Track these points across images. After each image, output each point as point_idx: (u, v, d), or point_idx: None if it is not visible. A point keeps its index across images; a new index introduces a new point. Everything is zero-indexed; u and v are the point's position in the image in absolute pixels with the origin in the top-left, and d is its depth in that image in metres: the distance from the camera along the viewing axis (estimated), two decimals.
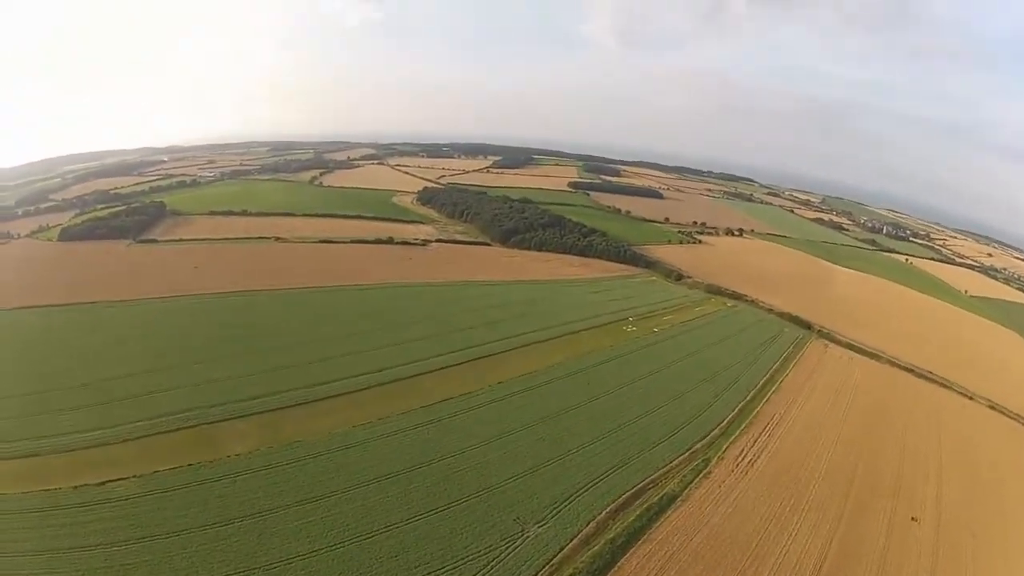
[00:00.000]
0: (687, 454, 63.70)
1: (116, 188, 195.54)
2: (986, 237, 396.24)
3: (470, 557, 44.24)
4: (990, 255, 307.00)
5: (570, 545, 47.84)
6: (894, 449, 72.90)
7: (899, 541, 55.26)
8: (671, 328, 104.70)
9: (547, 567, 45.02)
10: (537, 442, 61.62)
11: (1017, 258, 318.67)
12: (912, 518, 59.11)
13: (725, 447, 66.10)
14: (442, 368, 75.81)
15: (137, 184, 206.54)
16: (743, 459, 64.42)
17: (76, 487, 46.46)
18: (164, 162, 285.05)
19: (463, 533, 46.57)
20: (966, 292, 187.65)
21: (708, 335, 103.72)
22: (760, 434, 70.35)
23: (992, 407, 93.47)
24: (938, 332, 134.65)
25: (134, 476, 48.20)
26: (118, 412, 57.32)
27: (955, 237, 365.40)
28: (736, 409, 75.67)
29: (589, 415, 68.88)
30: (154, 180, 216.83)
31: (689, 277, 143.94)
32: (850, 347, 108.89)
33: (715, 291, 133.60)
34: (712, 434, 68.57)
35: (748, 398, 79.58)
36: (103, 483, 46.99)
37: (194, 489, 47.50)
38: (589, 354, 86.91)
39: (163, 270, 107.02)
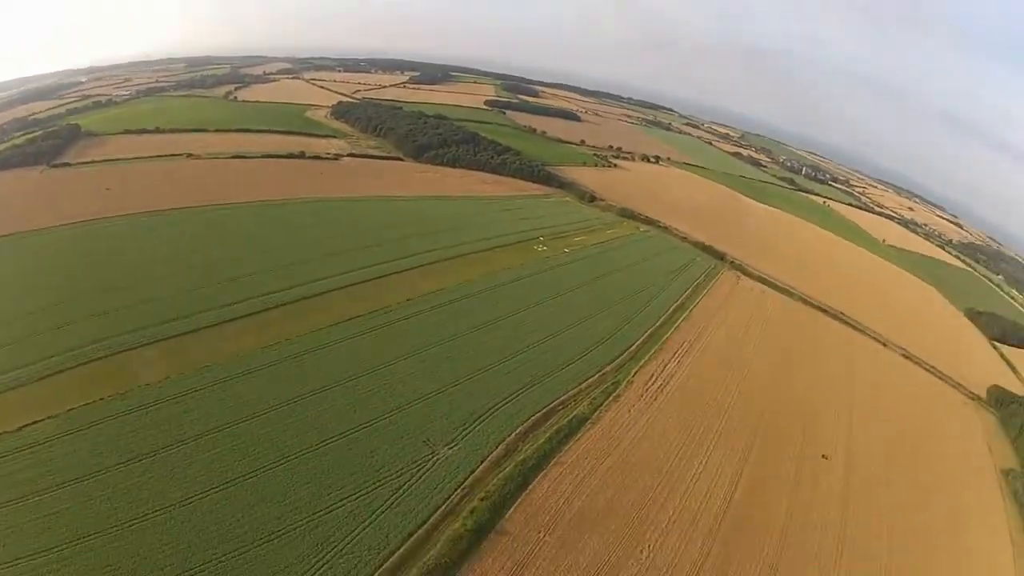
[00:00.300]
0: (597, 376, 64.06)
1: (34, 114, 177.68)
2: (908, 191, 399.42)
3: (381, 482, 43.13)
4: (911, 208, 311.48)
5: (480, 468, 47.26)
6: (805, 386, 74.88)
7: (810, 477, 57.11)
8: (582, 249, 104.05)
9: (458, 490, 44.16)
10: (447, 360, 60.40)
11: (939, 216, 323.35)
12: (823, 456, 60.77)
13: (634, 372, 66.68)
14: (352, 284, 72.62)
15: (55, 108, 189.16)
16: (652, 384, 65.26)
17: None
18: (83, 83, 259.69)
19: (374, 456, 45.38)
20: (884, 241, 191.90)
21: (619, 258, 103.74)
22: (669, 360, 71.29)
23: (906, 356, 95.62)
24: (853, 276, 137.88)
25: (49, 417, 44.15)
26: (31, 350, 51.74)
27: (875, 187, 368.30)
28: (646, 334, 76.35)
29: (499, 334, 67.94)
30: (71, 102, 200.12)
31: (602, 200, 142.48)
32: (763, 280, 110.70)
33: (628, 215, 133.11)
34: (621, 358, 69.02)
35: (658, 323, 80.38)
36: (20, 428, 42.62)
37: (108, 424, 44.10)
38: (500, 272, 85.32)
39: (75, 195, 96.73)
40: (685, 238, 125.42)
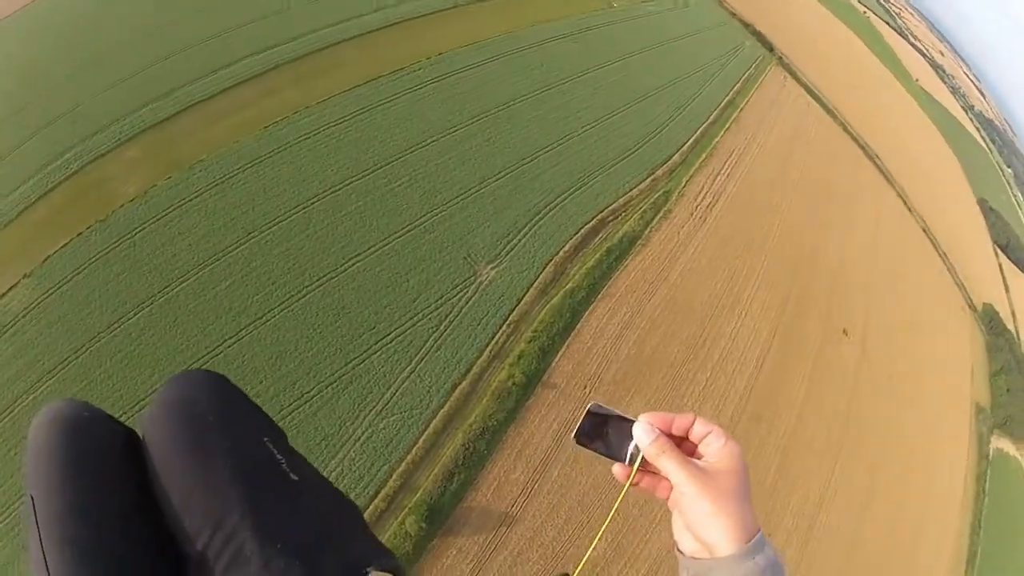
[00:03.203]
0: (648, 181, 52.38)
1: None
2: (939, 32, 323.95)
3: (419, 316, 33.24)
4: (942, 53, 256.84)
5: (527, 296, 37.71)
6: (836, 239, 65.84)
7: (830, 353, 51.94)
8: (630, 6, 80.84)
9: (504, 327, 35.11)
10: (483, 147, 45.83)
11: (965, 73, 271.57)
12: (844, 331, 54.91)
13: (685, 181, 55.31)
14: (365, 33, 50.72)
15: None
16: (702, 200, 54.82)
17: None
18: None
19: (408, 280, 34.56)
20: (917, 80, 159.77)
21: (670, 25, 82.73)
22: (719, 172, 59.65)
23: (925, 231, 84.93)
24: (891, 116, 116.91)
25: (24, 276, 30.33)
26: None
27: (910, 13, 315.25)
28: (697, 132, 62.92)
29: (540, 112, 52.70)
30: None
31: None
32: (808, 90, 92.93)
33: None
34: (672, 160, 56.74)
35: (709, 120, 66.42)
36: None
37: (92, 272, 30.77)
38: (543, 25, 64.72)
39: None
40: (734, 14, 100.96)
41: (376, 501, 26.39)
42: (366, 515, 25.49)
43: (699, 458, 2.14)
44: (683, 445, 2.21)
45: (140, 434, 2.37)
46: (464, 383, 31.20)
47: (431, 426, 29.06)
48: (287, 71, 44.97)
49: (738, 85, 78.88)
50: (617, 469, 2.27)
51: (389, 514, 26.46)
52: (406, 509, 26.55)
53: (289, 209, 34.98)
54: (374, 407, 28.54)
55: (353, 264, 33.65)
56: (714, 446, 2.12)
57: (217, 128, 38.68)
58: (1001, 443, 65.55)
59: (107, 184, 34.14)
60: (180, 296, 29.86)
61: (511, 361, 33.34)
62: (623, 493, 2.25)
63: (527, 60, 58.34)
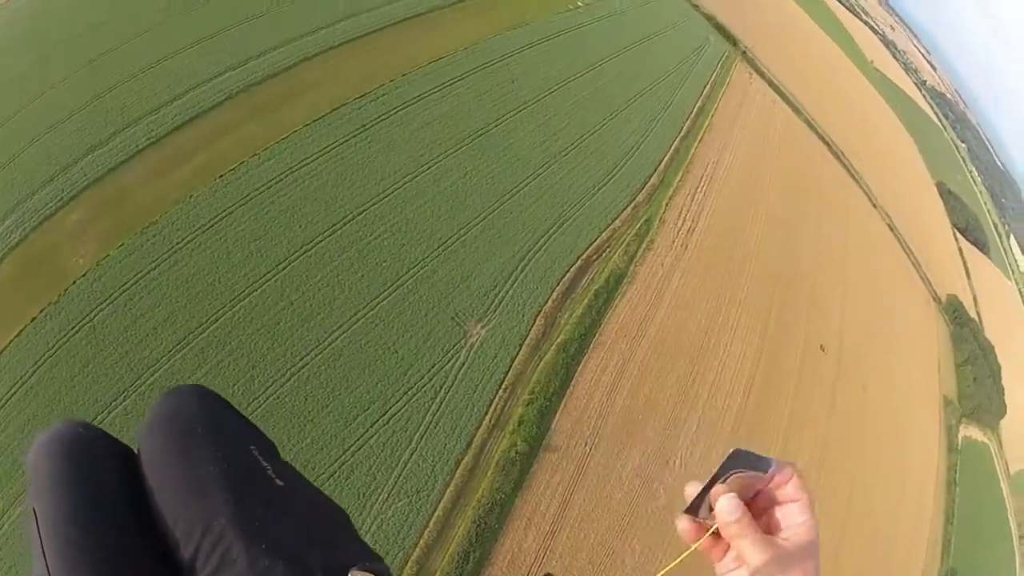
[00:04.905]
0: (629, 210, 52.85)
1: None
2: (889, 5, 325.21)
3: (413, 388, 33.15)
4: (892, 28, 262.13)
5: (520, 354, 38.16)
6: (809, 248, 69.06)
7: (810, 371, 54.70)
8: (594, 5, 79.14)
9: (500, 391, 35.63)
10: (459, 185, 44.43)
11: (915, 46, 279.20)
12: (821, 346, 57.85)
13: (665, 205, 56.25)
14: (321, 52, 46.75)
15: None
16: (682, 225, 56.03)
17: None
18: None
19: (398, 349, 34.15)
20: (872, 62, 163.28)
21: (635, 26, 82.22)
22: (696, 189, 61.10)
23: (891, 227, 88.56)
24: (847, 102, 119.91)
25: None
26: None
27: None
28: (672, 146, 63.77)
29: (514, 139, 51.63)
30: None
31: None
32: (772, 86, 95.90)
33: None
34: (651, 181, 57.40)
35: (683, 132, 67.41)
36: None
37: (55, 364, 27.84)
38: (509, 33, 62.59)
39: None
40: (697, 6, 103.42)
41: None
42: None
43: (775, 523, 2.05)
44: (755, 501, 2.12)
45: (136, 450, 2.59)
46: (467, 458, 31.60)
47: (439, 507, 29.50)
48: (242, 101, 40.65)
49: (707, 88, 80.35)
50: (684, 525, 2.14)
51: None
52: None
53: (259, 277, 32.83)
54: (379, 495, 28.59)
55: (337, 338, 32.72)
56: (797, 519, 2.00)
57: (169, 178, 34.90)
58: (969, 431, 70.57)
59: (55, 255, 30.50)
60: (154, 390, 27.60)
61: (511, 428, 33.92)
62: (684, 555, 2.11)
63: (495, 77, 56.64)
